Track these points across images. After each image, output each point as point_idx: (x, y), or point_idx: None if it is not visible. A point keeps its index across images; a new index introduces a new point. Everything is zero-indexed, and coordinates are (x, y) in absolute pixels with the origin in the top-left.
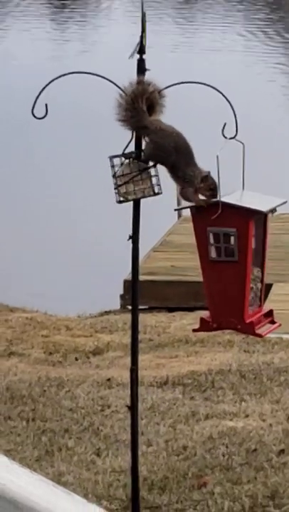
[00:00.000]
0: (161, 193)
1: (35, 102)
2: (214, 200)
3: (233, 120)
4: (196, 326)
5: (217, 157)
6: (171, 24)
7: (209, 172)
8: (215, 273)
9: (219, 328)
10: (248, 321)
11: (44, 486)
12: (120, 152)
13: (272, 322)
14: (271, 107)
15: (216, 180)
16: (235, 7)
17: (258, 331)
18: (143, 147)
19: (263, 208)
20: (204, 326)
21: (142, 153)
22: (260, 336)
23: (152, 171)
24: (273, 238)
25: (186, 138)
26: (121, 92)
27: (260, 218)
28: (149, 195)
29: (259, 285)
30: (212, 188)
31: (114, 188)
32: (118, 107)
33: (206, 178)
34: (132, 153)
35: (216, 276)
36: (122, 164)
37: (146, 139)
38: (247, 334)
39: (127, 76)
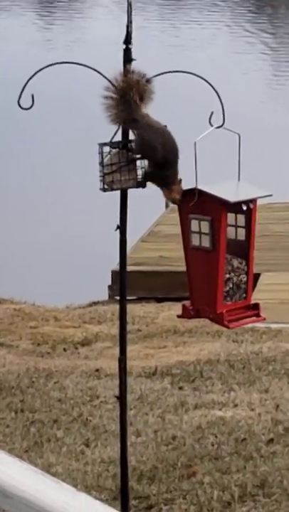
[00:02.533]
0: (146, 186)
1: (21, 93)
2: (191, 187)
3: (223, 113)
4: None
5: (195, 144)
6: (157, 18)
7: (180, 180)
8: (194, 260)
9: (197, 316)
10: (219, 311)
11: (33, 475)
12: (108, 141)
13: (258, 315)
14: (257, 99)
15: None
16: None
17: (233, 323)
18: (131, 138)
19: (237, 198)
20: (185, 312)
21: (132, 146)
22: (228, 327)
23: (139, 163)
24: (261, 228)
25: (173, 135)
26: (109, 85)
27: (247, 209)
28: (134, 187)
29: (243, 277)
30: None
31: (100, 176)
32: (107, 102)
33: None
34: (121, 142)
35: (195, 264)
36: (110, 153)
37: (135, 133)
38: (217, 324)
39: (114, 66)
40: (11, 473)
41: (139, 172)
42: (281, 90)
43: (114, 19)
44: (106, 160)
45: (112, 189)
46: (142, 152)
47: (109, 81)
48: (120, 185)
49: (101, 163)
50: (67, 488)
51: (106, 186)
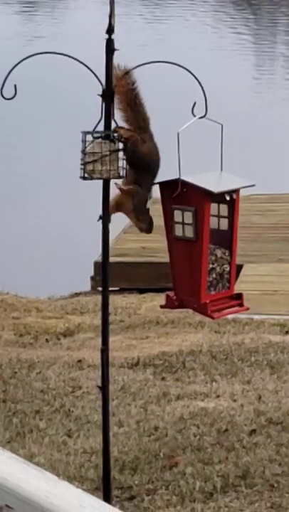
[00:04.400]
0: (126, 177)
1: (4, 83)
2: (174, 178)
3: (207, 104)
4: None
5: (178, 134)
6: (140, 10)
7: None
8: (177, 251)
9: (181, 306)
10: (203, 301)
11: (16, 463)
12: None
13: (241, 305)
14: (240, 90)
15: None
16: None
17: (216, 313)
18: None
19: (221, 188)
20: (168, 302)
21: (133, 155)
22: (212, 317)
23: (121, 154)
24: (243, 219)
25: None
26: (100, 80)
27: (230, 200)
28: (114, 177)
29: (226, 267)
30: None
31: (81, 164)
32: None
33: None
34: (104, 132)
35: (178, 255)
36: (93, 142)
37: (143, 143)
38: (202, 314)
39: (97, 57)
40: None
41: (121, 163)
42: (264, 82)
43: (98, 10)
44: (88, 148)
45: (92, 178)
46: (150, 162)
47: (94, 73)
48: (100, 175)
49: (83, 151)
50: (50, 477)
51: (86, 175)
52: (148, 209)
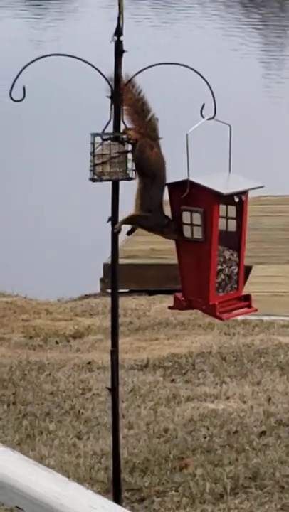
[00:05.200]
0: (135, 178)
1: (13, 85)
2: (183, 179)
3: (216, 105)
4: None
5: (187, 136)
6: (148, 12)
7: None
8: (186, 252)
9: (189, 307)
10: (211, 302)
11: (26, 464)
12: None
13: (249, 306)
14: (249, 90)
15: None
16: None
17: (225, 315)
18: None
19: (230, 190)
20: (177, 303)
21: (141, 162)
22: (221, 318)
23: (130, 156)
24: (253, 221)
25: None
26: (108, 81)
27: (239, 201)
28: (123, 179)
29: (235, 268)
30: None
31: (90, 166)
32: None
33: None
34: (113, 134)
35: (186, 256)
36: (102, 144)
37: (151, 148)
38: (210, 316)
39: (106, 58)
40: (3, 462)
41: (130, 165)
42: (273, 82)
43: (106, 13)
44: (97, 150)
45: (102, 180)
46: (159, 169)
47: (103, 75)
48: (110, 176)
49: (92, 153)
50: (60, 479)
51: (95, 177)
52: (168, 220)
